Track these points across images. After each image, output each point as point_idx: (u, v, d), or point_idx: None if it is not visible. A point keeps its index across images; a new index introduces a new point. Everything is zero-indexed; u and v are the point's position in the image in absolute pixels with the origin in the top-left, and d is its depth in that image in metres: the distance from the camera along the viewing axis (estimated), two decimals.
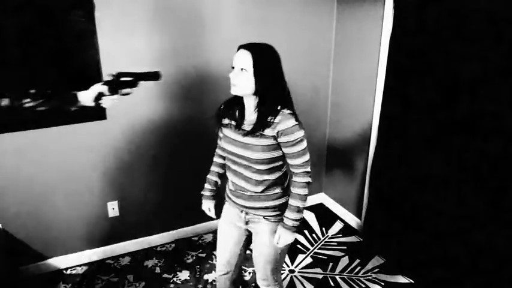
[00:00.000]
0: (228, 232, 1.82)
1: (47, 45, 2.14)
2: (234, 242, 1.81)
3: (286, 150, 1.53)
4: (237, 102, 1.61)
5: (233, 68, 1.52)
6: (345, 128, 3.02)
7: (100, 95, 1.54)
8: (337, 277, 2.54)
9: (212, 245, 2.87)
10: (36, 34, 2.10)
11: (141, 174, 2.66)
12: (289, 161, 1.56)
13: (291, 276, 2.56)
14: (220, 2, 2.52)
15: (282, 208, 1.64)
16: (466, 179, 2.09)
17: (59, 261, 2.61)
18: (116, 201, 2.62)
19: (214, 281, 2.50)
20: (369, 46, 2.65)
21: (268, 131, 1.51)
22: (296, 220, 1.58)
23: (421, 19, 2.18)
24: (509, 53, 1.79)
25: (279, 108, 1.52)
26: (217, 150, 1.83)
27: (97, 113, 2.39)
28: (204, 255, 2.76)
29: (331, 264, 2.67)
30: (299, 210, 1.57)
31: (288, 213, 1.58)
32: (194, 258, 2.73)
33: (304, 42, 2.88)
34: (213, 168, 1.86)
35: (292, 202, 1.57)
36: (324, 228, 3.09)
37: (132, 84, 1.55)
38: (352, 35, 2.80)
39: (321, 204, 3.44)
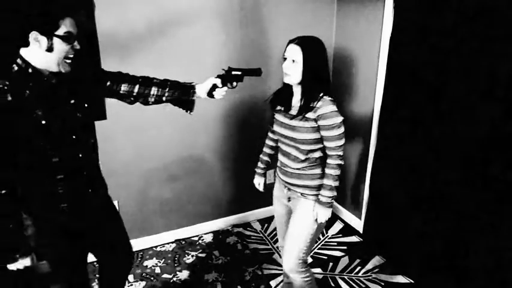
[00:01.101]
0: (278, 209, 2.06)
1: None
2: (283, 218, 2.03)
3: (323, 132, 1.71)
4: (287, 89, 1.81)
5: (285, 59, 1.71)
6: (345, 128, 3.01)
7: (214, 87, 1.75)
8: (337, 277, 2.54)
9: (212, 245, 2.87)
10: None
11: (141, 174, 2.66)
12: (325, 143, 1.73)
13: None
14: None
15: (320, 188, 1.80)
16: (468, 177, 2.09)
17: None
18: (116, 201, 2.62)
19: (214, 280, 2.50)
20: (368, 46, 2.65)
21: (310, 115, 1.70)
22: (329, 197, 1.75)
23: (421, 19, 2.18)
24: (510, 51, 1.79)
25: (321, 95, 1.71)
26: (269, 134, 2.05)
27: (97, 112, 2.39)
28: (204, 255, 2.76)
29: (331, 264, 2.67)
30: (331, 188, 1.74)
31: (322, 191, 1.76)
32: (194, 258, 2.73)
33: None
34: (265, 149, 2.09)
35: (325, 181, 1.75)
36: (323, 229, 3.09)
37: (240, 78, 1.78)
38: (352, 35, 2.80)
39: None
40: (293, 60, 1.68)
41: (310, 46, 1.68)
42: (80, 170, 1.51)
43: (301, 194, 1.84)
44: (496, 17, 1.82)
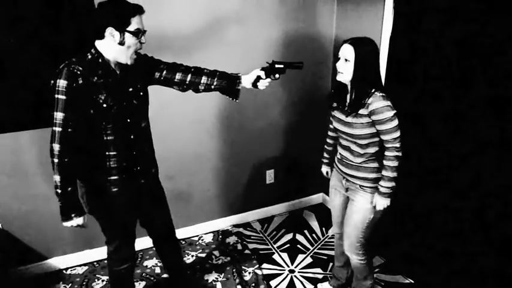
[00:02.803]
0: (334, 198, 2.15)
1: None
2: (340, 207, 2.13)
3: (378, 127, 1.77)
4: (343, 87, 1.89)
5: (339, 58, 1.81)
6: None
7: (258, 78, 1.92)
8: None
9: (212, 245, 2.87)
10: None
11: None
12: (381, 137, 1.79)
13: (291, 276, 2.56)
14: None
15: (378, 181, 1.87)
16: (467, 176, 2.09)
17: (59, 261, 2.61)
18: None
19: (214, 280, 2.50)
20: None
21: (363, 111, 1.78)
22: (388, 187, 1.82)
23: (421, 18, 2.18)
24: (510, 51, 1.79)
25: (372, 91, 1.77)
26: (330, 126, 2.13)
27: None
28: (204, 255, 2.76)
29: (331, 264, 2.67)
30: (390, 179, 1.81)
31: (382, 182, 1.83)
32: (194, 258, 2.73)
33: (304, 42, 2.88)
34: (328, 140, 2.22)
35: (384, 172, 1.82)
36: (324, 228, 3.09)
37: (282, 71, 1.93)
38: (352, 35, 2.79)
39: (321, 204, 3.44)
40: (346, 59, 1.77)
41: (363, 46, 1.76)
42: (130, 149, 1.74)
43: (360, 186, 1.92)
44: (496, 17, 1.82)
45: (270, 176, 3.14)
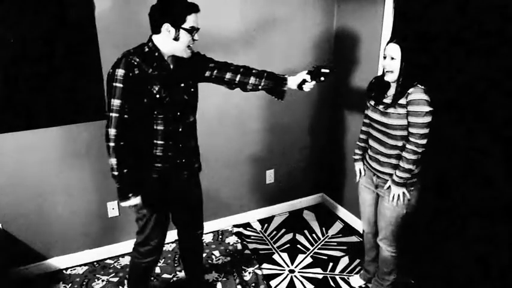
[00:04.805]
0: (363, 195, 2.21)
1: None
2: (369, 204, 2.19)
3: (409, 118, 1.83)
4: (382, 79, 1.96)
5: (385, 58, 1.88)
6: (346, 129, 3.02)
7: (303, 81, 1.96)
8: (337, 277, 2.54)
9: (212, 245, 2.87)
10: None
11: None
12: (409, 129, 1.84)
13: (291, 276, 2.56)
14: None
15: (407, 179, 1.90)
16: (465, 176, 2.09)
17: (59, 261, 2.61)
18: (116, 202, 2.62)
19: (214, 280, 2.50)
20: (369, 46, 2.65)
21: (402, 100, 1.84)
22: (400, 177, 1.90)
23: (421, 19, 2.18)
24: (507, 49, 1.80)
25: (415, 83, 1.84)
26: (365, 120, 2.16)
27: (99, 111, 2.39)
28: (204, 255, 2.76)
29: (331, 264, 2.67)
30: (404, 170, 1.88)
31: (396, 171, 1.92)
32: None
33: (304, 42, 2.88)
34: (361, 135, 2.22)
35: (400, 163, 1.90)
36: (324, 228, 3.09)
37: (327, 75, 1.95)
38: (352, 35, 2.80)
39: (321, 204, 3.44)
40: (392, 58, 1.84)
41: (408, 43, 1.82)
42: (177, 141, 1.81)
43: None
44: (496, 16, 1.82)
45: (270, 176, 3.14)
